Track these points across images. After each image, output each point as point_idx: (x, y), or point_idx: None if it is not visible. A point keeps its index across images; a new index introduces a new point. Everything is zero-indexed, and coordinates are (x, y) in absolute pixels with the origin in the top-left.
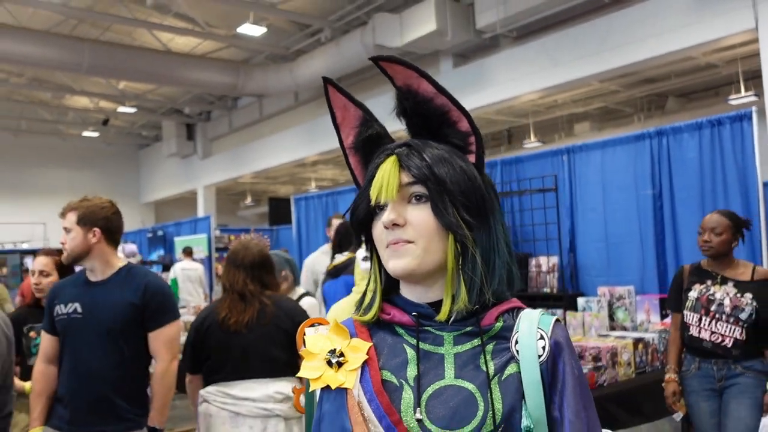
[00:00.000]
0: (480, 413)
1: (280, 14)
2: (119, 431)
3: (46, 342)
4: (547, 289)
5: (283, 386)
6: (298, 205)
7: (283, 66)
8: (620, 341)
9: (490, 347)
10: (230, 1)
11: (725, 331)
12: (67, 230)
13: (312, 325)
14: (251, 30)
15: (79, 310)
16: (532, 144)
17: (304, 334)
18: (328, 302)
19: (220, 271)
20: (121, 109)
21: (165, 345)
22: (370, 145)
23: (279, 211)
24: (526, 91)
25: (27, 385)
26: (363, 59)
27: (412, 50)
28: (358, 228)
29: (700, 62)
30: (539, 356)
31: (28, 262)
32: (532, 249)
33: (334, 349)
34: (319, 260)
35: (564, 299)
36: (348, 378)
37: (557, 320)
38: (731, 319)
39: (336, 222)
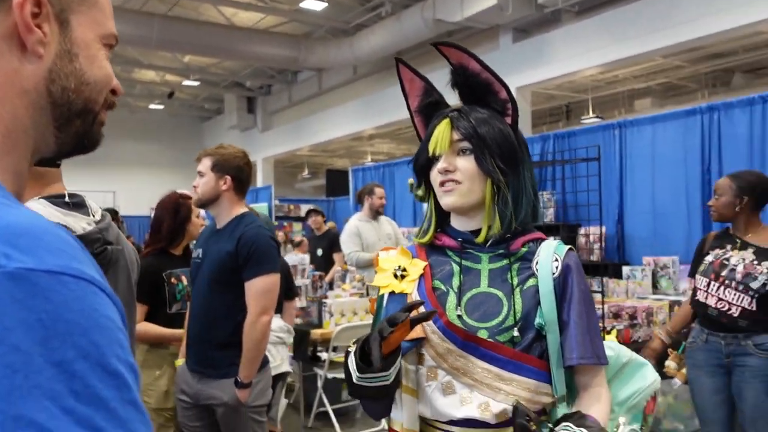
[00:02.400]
0: (504, 312)
1: None
2: (214, 376)
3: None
4: (593, 258)
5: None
6: (355, 176)
7: (343, 40)
8: (656, 302)
9: (516, 266)
10: None
11: (732, 299)
12: (200, 174)
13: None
14: (313, 4)
15: (200, 256)
16: (590, 119)
17: (378, 257)
18: None
19: (280, 238)
20: (186, 82)
21: (253, 297)
22: (430, 109)
23: (336, 183)
24: (587, 66)
25: (178, 331)
26: (423, 34)
27: (472, 25)
28: (419, 173)
29: None
30: (553, 273)
31: None
32: (581, 219)
33: (399, 266)
34: (363, 227)
35: (607, 267)
36: (408, 286)
37: (570, 249)
38: (740, 287)
39: (380, 191)
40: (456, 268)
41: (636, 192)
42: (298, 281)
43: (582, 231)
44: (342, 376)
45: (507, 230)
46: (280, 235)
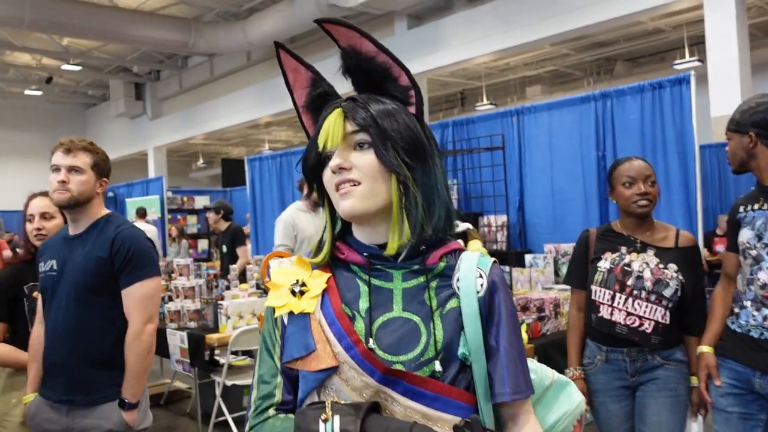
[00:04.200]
0: (423, 341)
1: None
2: (90, 403)
3: (40, 303)
4: (495, 247)
5: None
6: (252, 165)
7: (235, 24)
8: (562, 293)
9: (434, 284)
10: None
11: (645, 312)
12: (77, 170)
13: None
14: None
15: (55, 267)
16: (484, 106)
17: (268, 267)
18: None
19: (173, 232)
20: (66, 66)
21: (136, 305)
22: (320, 102)
23: (232, 172)
24: (479, 54)
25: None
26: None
27: (367, 10)
28: (309, 176)
29: (648, 27)
30: (477, 292)
31: None
32: (482, 208)
33: (297, 280)
34: (299, 217)
35: (511, 256)
36: (309, 304)
37: (494, 262)
38: (653, 297)
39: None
40: (364, 288)
41: (535, 179)
42: (192, 281)
43: (484, 220)
44: (242, 382)
45: (420, 238)
46: (172, 230)
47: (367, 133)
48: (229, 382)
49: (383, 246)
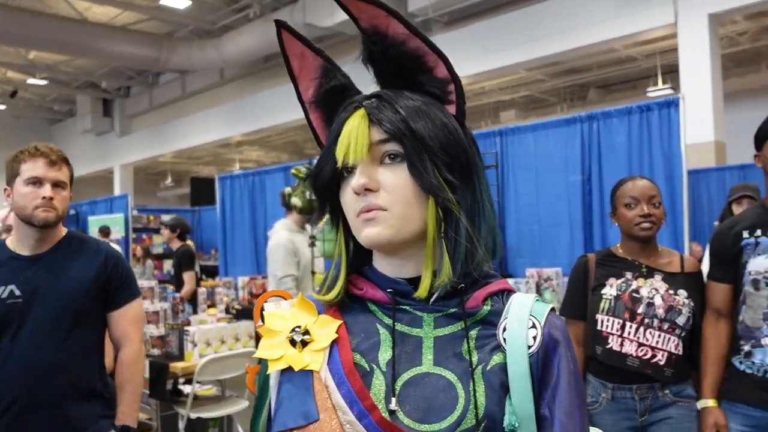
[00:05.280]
0: (460, 406)
1: None
2: None
3: None
4: None
5: None
6: (222, 184)
7: (208, 42)
8: None
9: (474, 333)
10: None
11: (657, 343)
12: (61, 185)
13: (272, 299)
14: (175, 2)
15: (17, 293)
16: None
17: (262, 309)
18: None
19: (138, 252)
20: (31, 80)
21: (133, 324)
22: (333, 97)
23: (201, 191)
24: None
25: None
26: None
27: (343, 30)
28: (322, 194)
29: (621, 55)
30: (529, 347)
31: None
32: None
33: (298, 326)
34: (297, 239)
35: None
36: (314, 359)
37: (552, 309)
38: (665, 326)
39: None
40: (385, 334)
41: (518, 202)
42: (156, 305)
43: None
44: (208, 415)
45: (463, 276)
46: (137, 250)
47: (398, 143)
48: (193, 415)
49: (412, 281)
